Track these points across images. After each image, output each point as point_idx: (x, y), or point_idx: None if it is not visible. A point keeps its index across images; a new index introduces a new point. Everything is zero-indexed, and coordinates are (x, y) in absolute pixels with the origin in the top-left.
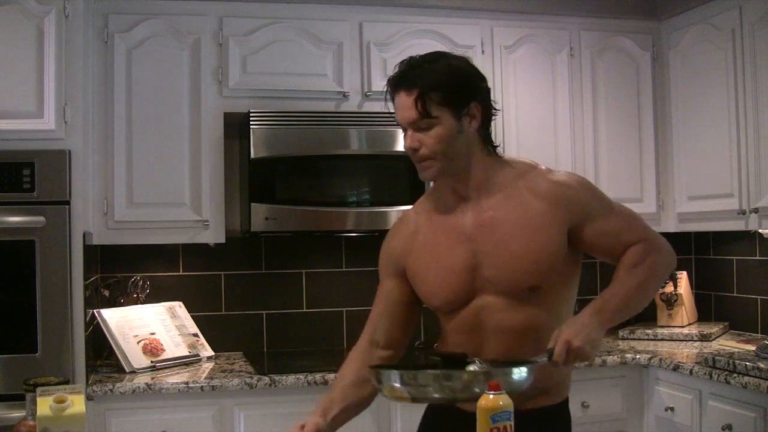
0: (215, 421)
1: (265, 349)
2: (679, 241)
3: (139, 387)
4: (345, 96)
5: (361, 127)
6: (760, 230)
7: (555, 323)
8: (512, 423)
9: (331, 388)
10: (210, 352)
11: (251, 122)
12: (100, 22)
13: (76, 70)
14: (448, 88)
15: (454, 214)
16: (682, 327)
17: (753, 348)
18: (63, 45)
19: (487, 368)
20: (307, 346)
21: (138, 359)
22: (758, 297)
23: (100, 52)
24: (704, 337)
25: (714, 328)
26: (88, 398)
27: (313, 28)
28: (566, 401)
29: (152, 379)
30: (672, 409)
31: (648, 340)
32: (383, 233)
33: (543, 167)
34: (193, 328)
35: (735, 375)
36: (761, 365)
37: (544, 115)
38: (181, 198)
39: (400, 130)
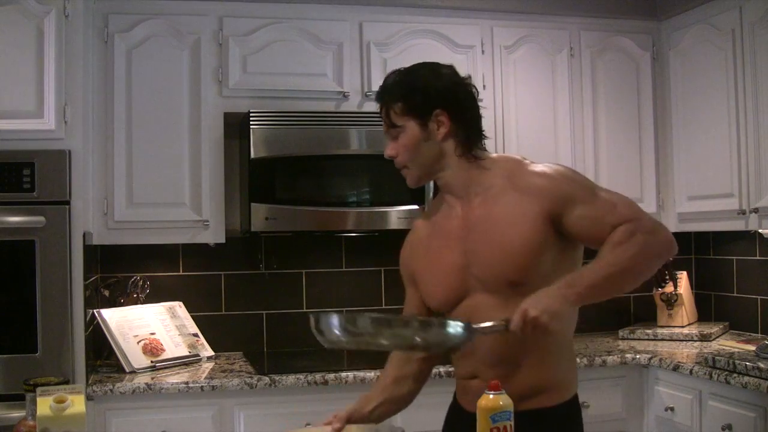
0: (215, 421)
1: (265, 349)
2: (679, 241)
3: (139, 387)
4: (345, 96)
5: (361, 127)
6: (760, 230)
7: None
8: (512, 423)
9: (371, 386)
10: (210, 352)
11: (251, 122)
12: (100, 22)
13: (76, 70)
14: (408, 98)
15: (448, 216)
16: (682, 327)
17: (753, 348)
18: (63, 45)
19: (425, 318)
20: (307, 346)
21: (138, 359)
22: (758, 297)
23: (100, 52)
24: (704, 337)
25: (714, 328)
26: (88, 398)
27: (313, 28)
28: (571, 402)
29: (152, 379)
30: (672, 409)
31: (648, 340)
32: (383, 233)
33: (527, 161)
34: (193, 328)
35: (735, 375)
36: (761, 365)
37: (544, 115)
38: (181, 198)
39: None
